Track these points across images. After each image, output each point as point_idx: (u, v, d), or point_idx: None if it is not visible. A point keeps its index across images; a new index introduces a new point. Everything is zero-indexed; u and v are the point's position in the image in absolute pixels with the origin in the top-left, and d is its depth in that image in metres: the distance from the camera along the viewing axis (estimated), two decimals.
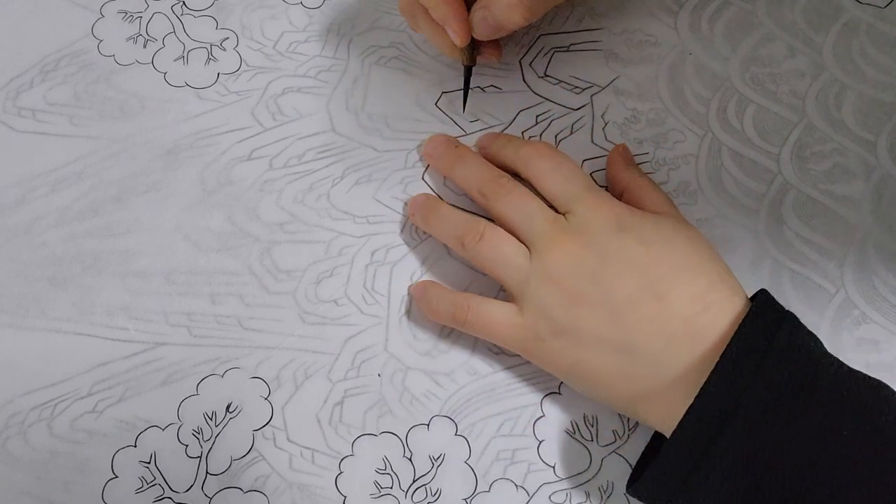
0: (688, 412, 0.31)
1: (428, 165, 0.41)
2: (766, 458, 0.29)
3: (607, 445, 0.36)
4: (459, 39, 0.38)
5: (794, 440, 0.29)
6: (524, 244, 0.37)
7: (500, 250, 0.37)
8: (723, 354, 0.31)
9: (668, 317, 0.33)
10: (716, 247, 0.39)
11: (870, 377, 0.31)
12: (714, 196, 0.41)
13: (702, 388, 0.31)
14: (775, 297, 0.38)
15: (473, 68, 0.41)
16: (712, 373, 0.31)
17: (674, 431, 0.31)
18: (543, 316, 0.35)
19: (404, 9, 0.41)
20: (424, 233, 0.40)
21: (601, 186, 0.41)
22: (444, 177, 0.41)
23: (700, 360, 0.32)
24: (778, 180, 0.41)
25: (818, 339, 0.33)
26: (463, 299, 0.37)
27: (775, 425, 0.29)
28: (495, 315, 0.36)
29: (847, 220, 0.40)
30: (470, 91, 0.42)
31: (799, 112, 0.42)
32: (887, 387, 0.31)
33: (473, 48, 0.40)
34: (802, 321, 0.38)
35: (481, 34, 0.38)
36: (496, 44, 0.41)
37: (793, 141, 0.42)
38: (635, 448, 0.36)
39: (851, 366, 0.37)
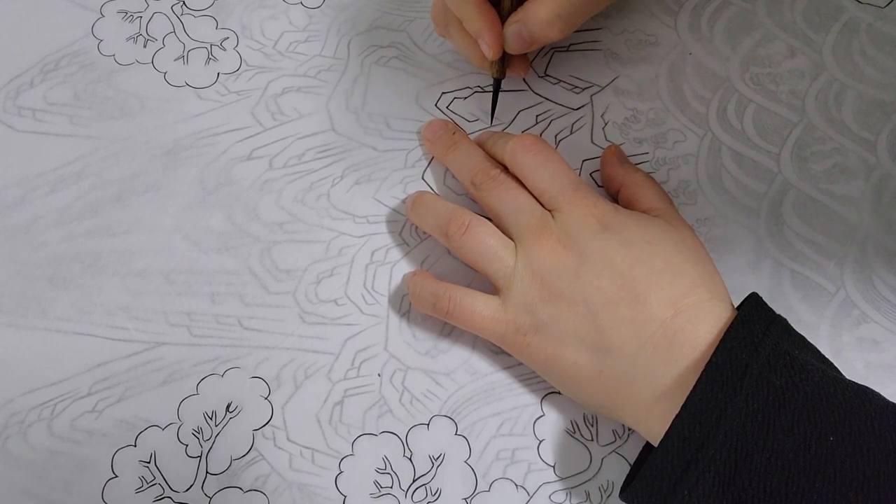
0: (673, 423, 0.31)
1: (428, 165, 0.41)
2: (751, 469, 0.29)
3: (607, 445, 0.36)
4: (492, 53, 0.38)
5: (778, 450, 0.29)
6: (511, 238, 0.37)
7: (485, 243, 0.37)
8: (707, 364, 0.31)
9: (644, 319, 0.33)
10: (716, 247, 0.39)
11: (854, 383, 0.31)
12: (714, 196, 0.41)
13: (687, 399, 0.31)
14: (776, 296, 0.38)
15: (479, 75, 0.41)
16: (697, 382, 0.31)
17: (660, 442, 0.31)
18: (525, 310, 0.35)
19: (436, 17, 0.41)
20: (424, 233, 0.40)
21: (599, 186, 0.41)
22: (441, 163, 0.41)
23: (677, 365, 0.32)
24: (778, 180, 0.41)
25: (809, 343, 0.33)
26: (444, 290, 0.37)
27: (759, 436, 0.29)
28: (478, 307, 0.36)
29: (847, 220, 0.40)
30: (483, 95, 0.42)
31: (799, 112, 0.42)
32: (872, 392, 0.31)
33: (504, 61, 0.40)
34: (802, 321, 0.38)
35: (514, 48, 0.38)
36: (524, 57, 0.41)
37: (793, 141, 0.42)
38: (635, 448, 0.36)
39: (852, 365, 0.37)
